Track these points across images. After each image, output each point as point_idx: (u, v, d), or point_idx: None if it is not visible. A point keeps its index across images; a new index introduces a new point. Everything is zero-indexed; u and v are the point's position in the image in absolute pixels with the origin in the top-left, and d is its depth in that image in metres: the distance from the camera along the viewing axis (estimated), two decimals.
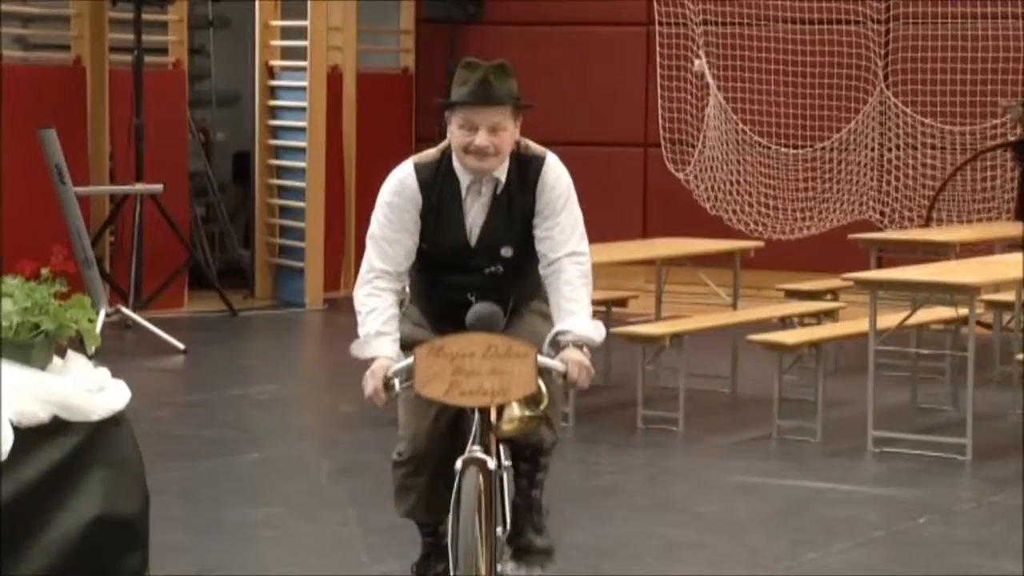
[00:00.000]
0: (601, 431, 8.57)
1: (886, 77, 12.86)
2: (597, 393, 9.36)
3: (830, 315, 9.65)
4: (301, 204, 13.10)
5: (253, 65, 13.51)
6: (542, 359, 4.89)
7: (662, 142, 13.33)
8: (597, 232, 11.77)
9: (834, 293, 10.13)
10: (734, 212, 12.96)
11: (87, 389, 5.78)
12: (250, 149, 13.91)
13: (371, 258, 5.29)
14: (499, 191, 5.24)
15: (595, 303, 9.99)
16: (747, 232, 12.72)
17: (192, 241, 12.92)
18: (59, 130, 10.90)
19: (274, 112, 13.48)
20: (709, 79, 13.06)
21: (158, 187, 11.72)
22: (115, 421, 5.77)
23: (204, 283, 12.71)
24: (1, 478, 5.32)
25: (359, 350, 5.24)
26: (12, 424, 5.48)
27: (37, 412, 5.59)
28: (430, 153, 5.41)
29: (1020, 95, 12.20)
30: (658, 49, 13.28)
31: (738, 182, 13.01)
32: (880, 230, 12.25)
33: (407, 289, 5.48)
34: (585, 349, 5.03)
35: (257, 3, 13.33)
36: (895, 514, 6.99)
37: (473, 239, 5.24)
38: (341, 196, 13.53)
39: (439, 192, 5.25)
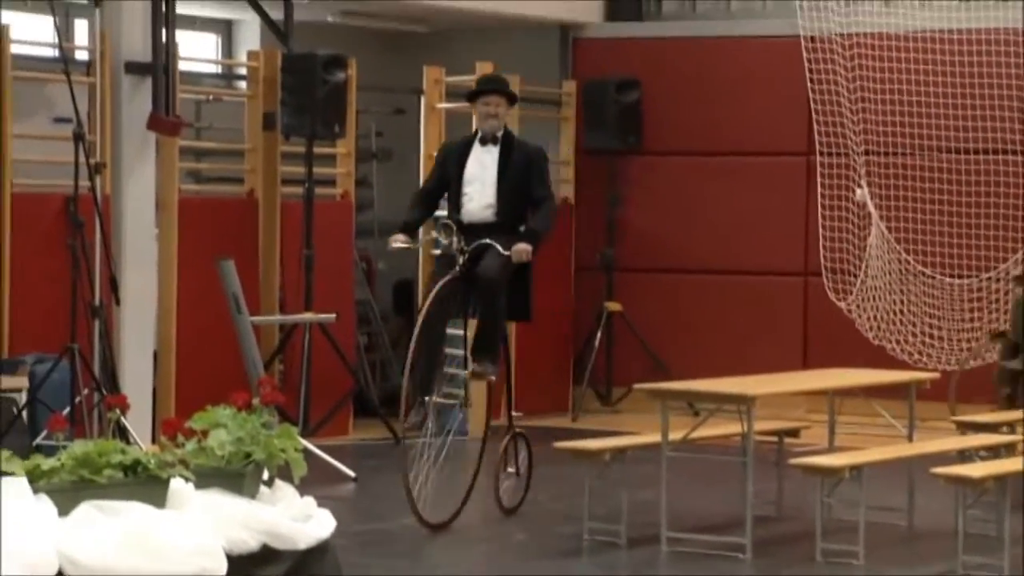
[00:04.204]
0: (780, 564, 8.51)
1: None
2: (771, 524, 9.33)
3: (1009, 448, 9.53)
4: (461, 332, 13.19)
5: None
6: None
7: (823, 271, 13.34)
8: (757, 361, 11.97)
9: (1010, 425, 10.01)
10: (898, 342, 12.89)
11: (294, 518, 5.88)
12: (412, 278, 14.09)
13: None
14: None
15: (765, 432, 10.05)
16: (911, 363, 12.64)
17: (356, 369, 13.07)
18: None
19: (436, 242, 13.64)
20: (871, 208, 13.07)
21: (331, 316, 11.91)
22: (321, 549, 5.86)
23: (367, 411, 12.85)
24: None
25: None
26: (224, 552, 5.58)
27: (247, 540, 5.69)
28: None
29: None
30: (819, 179, 13.33)
31: (902, 312, 12.96)
32: None
33: None
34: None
35: (422, 137, 13.57)
36: None
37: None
38: None
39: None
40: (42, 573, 5.20)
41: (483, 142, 9.38)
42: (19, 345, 10.81)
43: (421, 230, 9.85)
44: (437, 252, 9.70)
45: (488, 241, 9.12)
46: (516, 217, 9.32)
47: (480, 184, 9.31)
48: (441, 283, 9.04)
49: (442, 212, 9.74)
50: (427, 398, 9.31)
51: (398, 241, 9.34)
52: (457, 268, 9.10)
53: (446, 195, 9.48)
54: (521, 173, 9.29)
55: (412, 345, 8.97)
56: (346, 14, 13.75)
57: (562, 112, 14.40)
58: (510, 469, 9.54)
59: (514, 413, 9.61)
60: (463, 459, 12.40)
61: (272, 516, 5.74)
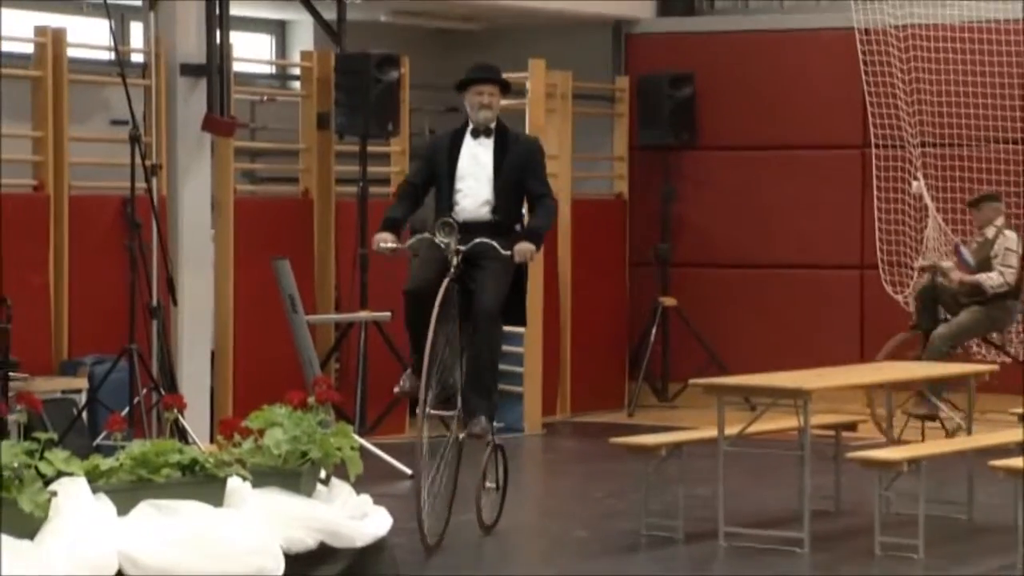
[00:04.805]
0: (838, 559, 8.48)
1: None
2: (829, 518, 9.30)
3: None
4: (519, 329, 13.22)
5: None
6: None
7: (879, 264, 13.28)
8: (813, 354, 11.93)
9: None
10: None
11: (351, 516, 5.92)
12: None
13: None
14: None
15: (822, 427, 10.02)
16: (969, 355, 12.56)
17: (412, 367, 13.08)
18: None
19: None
20: (927, 200, 13.00)
21: (386, 315, 11.94)
22: (378, 547, 5.90)
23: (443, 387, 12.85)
24: None
25: None
26: (282, 551, 5.62)
27: (304, 539, 5.73)
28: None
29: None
30: (875, 171, 13.26)
31: None
32: None
33: None
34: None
35: None
36: None
37: None
38: (557, 321, 13.65)
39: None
40: (102, 572, 5.25)
41: (475, 135, 8.68)
42: (78, 346, 10.90)
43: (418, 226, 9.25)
44: (417, 238, 8.67)
45: (487, 240, 8.38)
46: (513, 215, 8.72)
47: (475, 180, 8.62)
48: (443, 288, 8.27)
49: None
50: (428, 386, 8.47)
51: (385, 241, 8.56)
52: (452, 269, 8.33)
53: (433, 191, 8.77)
54: (518, 168, 8.63)
55: (427, 347, 8.30)
56: (398, 13, 13.78)
57: (616, 108, 14.39)
58: (489, 484, 8.82)
59: (496, 424, 8.95)
60: (518, 456, 12.46)
61: (329, 514, 5.79)
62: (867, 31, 13.26)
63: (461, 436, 8.49)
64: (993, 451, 9.01)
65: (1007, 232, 12.07)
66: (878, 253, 13.29)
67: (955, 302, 12.00)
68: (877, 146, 13.26)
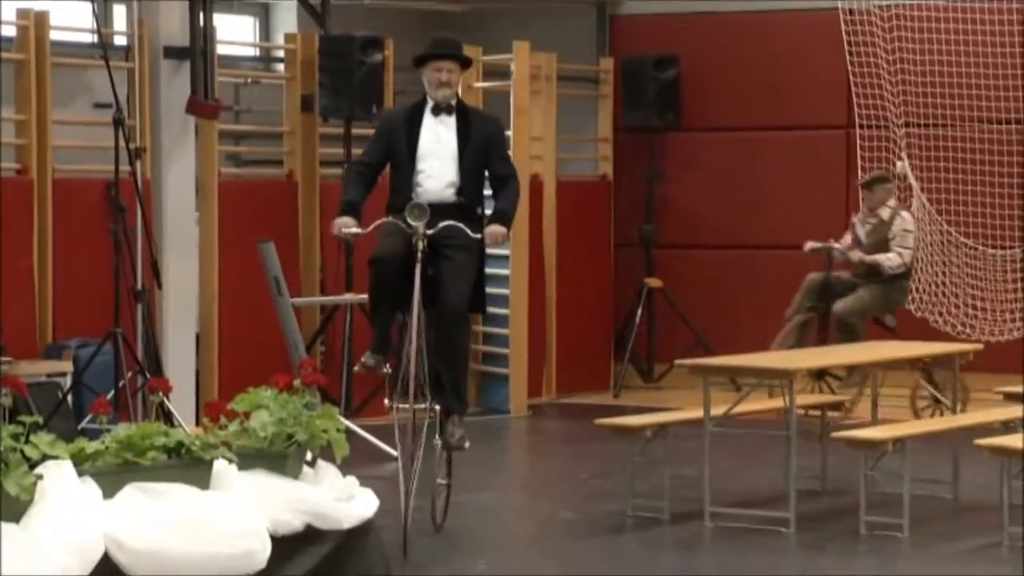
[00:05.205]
0: (824, 538, 8.50)
1: None
2: (815, 498, 9.32)
3: None
4: (504, 311, 13.23)
5: None
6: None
7: None
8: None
9: None
10: (940, 314, 12.85)
11: (337, 498, 5.92)
12: None
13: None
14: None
15: (808, 407, 10.04)
16: (954, 334, 12.60)
17: (397, 349, 13.08)
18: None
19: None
20: (912, 180, 13.02)
21: None
22: (364, 529, 5.91)
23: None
24: None
25: None
26: (269, 533, 5.62)
27: (291, 521, 5.73)
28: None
29: None
30: (859, 152, 13.27)
31: (944, 283, 12.91)
32: None
33: None
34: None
35: None
36: None
37: None
38: (542, 302, 13.66)
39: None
40: (88, 555, 5.25)
41: (436, 112, 8.20)
42: (63, 330, 10.89)
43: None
44: (382, 221, 8.23)
45: (456, 223, 7.95)
46: (477, 197, 8.28)
47: (438, 160, 8.15)
48: (417, 275, 7.91)
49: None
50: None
51: (348, 226, 8.18)
52: (419, 253, 7.90)
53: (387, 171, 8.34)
54: (483, 148, 8.18)
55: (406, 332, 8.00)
56: None
57: (600, 90, 14.38)
58: (441, 481, 8.44)
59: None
60: (504, 437, 12.48)
61: (315, 496, 5.79)
62: (851, 11, 13.25)
63: (438, 443, 8.15)
64: (978, 430, 9.04)
65: (903, 213, 12.18)
66: None
67: (848, 288, 12.04)
68: (862, 126, 13.26)
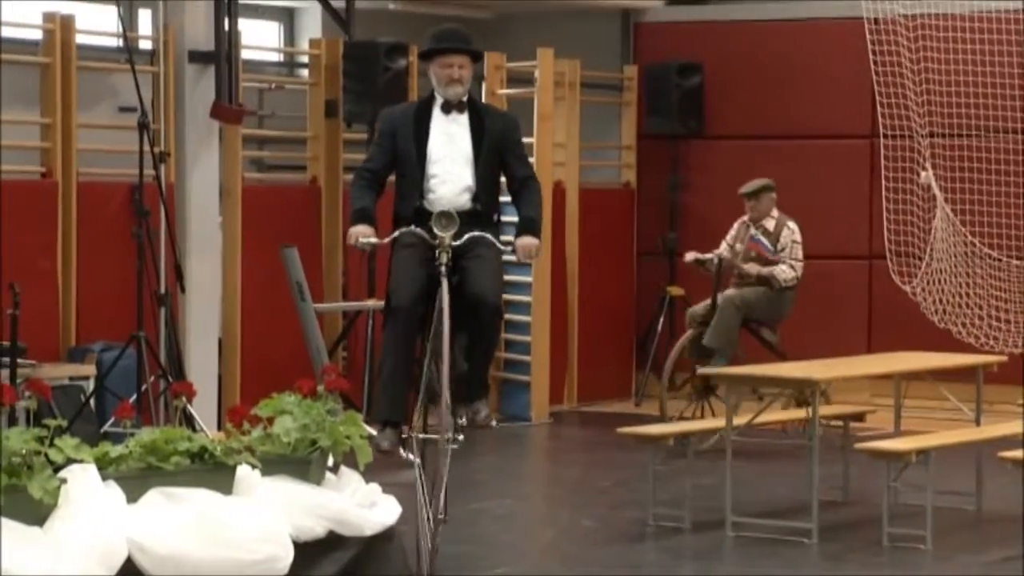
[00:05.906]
0: (847, 550, 8.47)
1: None
2: (837, 509, 9.29)
3: None
4: (526, 318, 13.23)
5: None
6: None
7: (888, 254, 13.26)
8: (821, 345, 11.90)
9: None
10: (963, 325, 12.81)
11: (360, 504, 5.92)
12: None
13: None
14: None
15: (830, 417, 10.01)
16: (977, 346, 12.56)
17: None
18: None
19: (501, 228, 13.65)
20: (936, 191, 12.98)
21: None
22: (387, 536, 5.90)
23: (431, 398, 12.83)
24: None
25: None
26: (291, 538, 5.62)
27: (313, 527, 5.74)
28: None
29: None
30: (883, 161, 13.24)
31: (967, 294, 12.87)
32: None
33: None
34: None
35: None
36: None
37: None
38: (564, 310, 13.65)
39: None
40: (111, 559, 5.25)
41: (446, 109, 7.39)
42: (86, 333, 10.90)
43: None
44: (401, 232, 7.38)
45: (480, 233, 7.27)
46: (493, 204, 7.52)
47: (452, 163, 7.36)
48: (444, 292, 7.15)
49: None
50: (404, 427, 7.50)
51: (365, 236, 7.29)
52: (442, 268, 7.15)
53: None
54: (499, 148, 7.41)
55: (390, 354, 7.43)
56: (407, 1, 13.77)
57: (623, 97, 14.37)
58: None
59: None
60: (525, 445, 12.47)
61: (338, 503, 5.78)
62: (876, 20, 13.23)
63: (463, 422, 7.54)
64: (1002, 442, 9.01)
65: (790, 224, 11.94)
66: (886, 243, 13.26)
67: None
68: (886, 136, 13.23)
